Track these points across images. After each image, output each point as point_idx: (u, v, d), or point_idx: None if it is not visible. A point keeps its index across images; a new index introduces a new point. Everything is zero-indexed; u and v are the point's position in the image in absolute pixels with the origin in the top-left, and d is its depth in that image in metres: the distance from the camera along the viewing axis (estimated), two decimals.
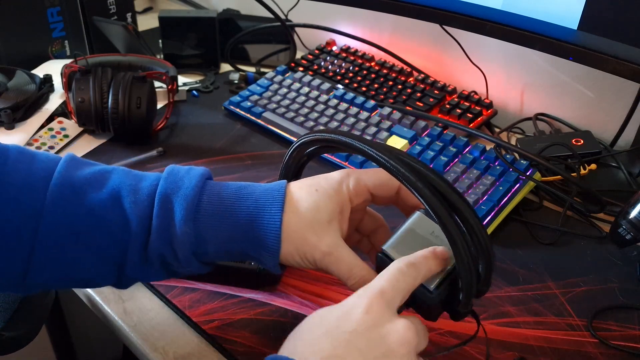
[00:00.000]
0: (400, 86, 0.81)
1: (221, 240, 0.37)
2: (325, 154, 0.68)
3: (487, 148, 0.66)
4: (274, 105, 0.76)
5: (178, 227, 0.36)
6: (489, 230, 0.57)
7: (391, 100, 0.79)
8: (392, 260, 0.35)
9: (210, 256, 0.38)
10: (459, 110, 0.76)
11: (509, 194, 0.60)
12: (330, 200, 0.36)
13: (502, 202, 0.59)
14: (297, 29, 0.97)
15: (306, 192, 0.37)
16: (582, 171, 0.66)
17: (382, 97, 0.80)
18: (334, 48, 0.91)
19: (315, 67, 0.87)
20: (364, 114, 0.73)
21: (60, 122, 0.73)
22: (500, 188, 0.60)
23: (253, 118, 0.76)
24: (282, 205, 0.36)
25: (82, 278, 0.37)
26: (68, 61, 0.74)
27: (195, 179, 0.37)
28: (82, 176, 0.37)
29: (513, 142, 0.74)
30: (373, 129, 0.71)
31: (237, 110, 0.78)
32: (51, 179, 0.36)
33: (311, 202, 0.36)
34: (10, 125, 0.71)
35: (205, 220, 0.36)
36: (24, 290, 0.37)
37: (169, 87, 0.74)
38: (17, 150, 0.37)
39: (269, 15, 0.89)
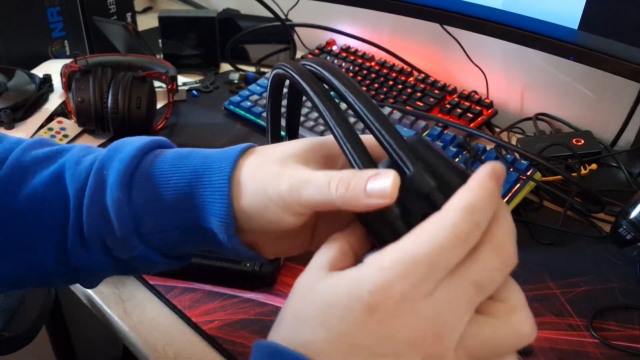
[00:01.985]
0: (400, 86, 0.81)
1: (161, 208, 0.29)
2: None
3: (488, 148, 0.66)
4: None
5: (109, 195, 0.29)
6: None
7: (391, 100, 0.79)
8: None
9: (155, 235, 0.30)
10: (459, 110, 0.76)
11: (510, 194, 0.60)
12: (311, 142, 0.29)
13: None
14: (297, 28, 0.96)
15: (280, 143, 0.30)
16: (583, 171, 0.66)
17: (382, 97, 0.80)
18: (334, 48, 0.91)
19: None
20: None
21: (59, 122, 0.73)
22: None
23: (253, 118, 0.76)
24: (240, 153, 0.29)
25: (38, 266, 0.32)
26: (68, 61, 0.74)
27: (141, 142, 0.31)
28: (36, 155, 0.32)
29: (513, 142, 0.74)
30: None
31: (237, 110, 0.78)
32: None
33: (281, 145, 0.29)
34: (10, 125, 0.71)
35: (141, 185, 0.30)
36: None
37: (169, 87, 0.74)
38: None
39: (269, 14, 0.89)
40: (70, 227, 0.31)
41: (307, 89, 0.27)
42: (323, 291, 0.23)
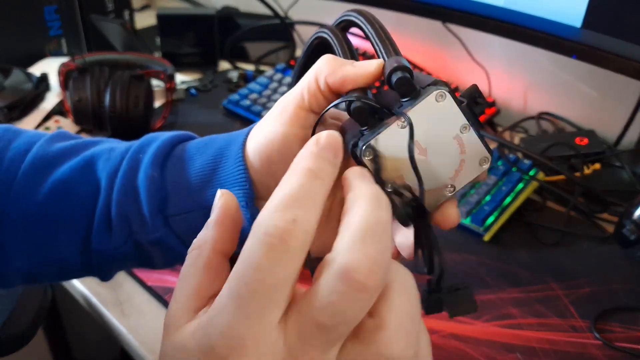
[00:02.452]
0: None
1: (188, 186, 0.30)
2: None
3: (490, 147, 0.65)
4: (273, 104, 0.75)
5: (143, 171, 0.31)
6: (492, 230, 0.57)
7: None
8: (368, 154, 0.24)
9: (180, 217, 0.31)
10: None
11: (512, 194, 0.59)
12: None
13: (506, 203, 0.58)
14: (296, 26, 0.96)
15: None
16: (586, 171, 0.65)
17: None
18: None
19: None
20: None
21: (57, 122, 0.72)
22: (504, 188, 0.59)
23: (252, 117, 0.75)
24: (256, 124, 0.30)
25: (55, 259, 0.32)
26: (65, 59, 0.74)
27: (176, 132, 0.33)
28: (62, 147, 0.33)
29: (516, 141, 0.74)
30: None
31: (236, 109, 0.77)
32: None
33: None
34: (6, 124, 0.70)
35: (172, 165, 0.31)
36: (3, 281, 0.33)
37: (167, 85, 0.74)
38: (4, 129, 0.34)
39: (268, 12, 0.89)
40: (98, 209, 0.31)
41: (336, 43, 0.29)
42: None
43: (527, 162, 0.62)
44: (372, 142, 0.24)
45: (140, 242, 0.31)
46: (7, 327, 0.55)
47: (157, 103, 0.76)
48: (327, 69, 0.26)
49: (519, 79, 0.82)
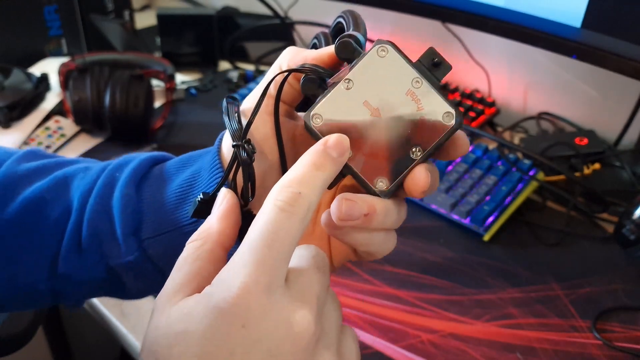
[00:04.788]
0: None
1: (165, 205, 0.30)
2: None
3: (490, 147, 0.65)
4: None
5: (118, 192, 0.30)
6: (492, 230, 0.57)
7: None
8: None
9: (155, 239, 0.30)
10: (461, 109, 0.75)
11: (512, 194, 0.59)
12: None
13: (506, 203, 0.58)
14: (296, 26, 0.96)
15: None
16: (586, 171, 0.65)
17: None
18: None
19: None
20: None
21: (57, 122, 0.72)
22: (504, 188, 0.59)
23: None
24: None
25: (20, 284, 0.31)
26: (65, 59, 0.74)
27: (154, 153, 0.33)
28: (32, 166, 0.32)
29: (516, 141, 0.74)
30: None
31: None
32: None
33: None
34: (6, 124, 0.70)
35: (149, 184, 0.30)
36: None
37: (167, 85, 0.74)
38: None
39: (268, 12, 0.89)
40: (69, 228, 0.30)
41: None
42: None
43: (527, 162, 0.62)
44: (317, 108, 0.24)
45: (112, 266, 0.30)
46: (7, 327, 0.55)
47: (157, 103, 0.76)
48: (289, 56, 0.27)
49: (519, 79, 0.82)
